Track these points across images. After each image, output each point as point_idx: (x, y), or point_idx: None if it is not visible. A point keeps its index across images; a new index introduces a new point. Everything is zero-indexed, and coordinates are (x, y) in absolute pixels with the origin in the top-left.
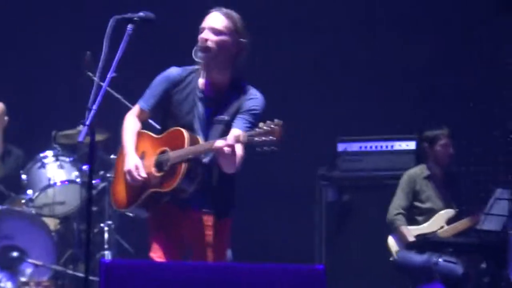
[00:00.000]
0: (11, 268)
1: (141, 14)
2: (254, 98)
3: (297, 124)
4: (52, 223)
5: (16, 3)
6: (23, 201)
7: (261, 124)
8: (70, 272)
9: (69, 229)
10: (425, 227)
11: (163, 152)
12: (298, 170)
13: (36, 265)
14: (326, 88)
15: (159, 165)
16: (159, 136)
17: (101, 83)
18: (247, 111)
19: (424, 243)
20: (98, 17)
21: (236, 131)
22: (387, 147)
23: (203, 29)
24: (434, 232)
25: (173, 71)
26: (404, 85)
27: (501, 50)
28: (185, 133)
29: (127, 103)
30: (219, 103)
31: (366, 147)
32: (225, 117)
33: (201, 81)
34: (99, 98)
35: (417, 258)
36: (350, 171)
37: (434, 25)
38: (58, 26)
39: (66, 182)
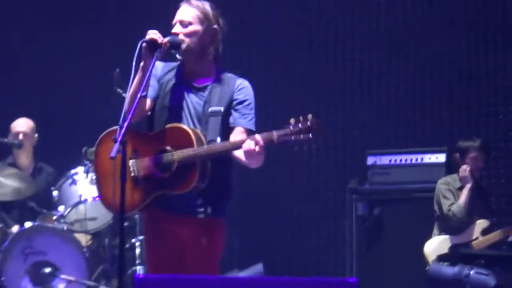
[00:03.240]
0: (44, 284)
1: (168, 38)
2: (244, 88)
3: (327, 138)
4: (83, 239)
5: (46, 22)
6: (54, 217)
7: (292, 121)
8: (103, 287)
9: (100, 244)
10: (461, 237)
11: (162, 151)
12: (328, 184)
13: (68, 281)
14: (357, 101)
15: (162, 165)
16: (152, 133)
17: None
18: (242, 103)
19: (456, 255)
20: (127, 36)
21: (241, 130)
22: (417, 160)
23: (174, 24)
24: (469, 242)
25: (158, 66)
26: (434, 98)
27: None
28: (190, 131)
29: None
30: (208, 94)
31: (396, 160)
32: (220, 108)
33: (187, 73)
34: (129, 115)
35: (448, 270)
36: (380, 184)
37: (465, 38)
38: (87, 43)
39: (97, 198)
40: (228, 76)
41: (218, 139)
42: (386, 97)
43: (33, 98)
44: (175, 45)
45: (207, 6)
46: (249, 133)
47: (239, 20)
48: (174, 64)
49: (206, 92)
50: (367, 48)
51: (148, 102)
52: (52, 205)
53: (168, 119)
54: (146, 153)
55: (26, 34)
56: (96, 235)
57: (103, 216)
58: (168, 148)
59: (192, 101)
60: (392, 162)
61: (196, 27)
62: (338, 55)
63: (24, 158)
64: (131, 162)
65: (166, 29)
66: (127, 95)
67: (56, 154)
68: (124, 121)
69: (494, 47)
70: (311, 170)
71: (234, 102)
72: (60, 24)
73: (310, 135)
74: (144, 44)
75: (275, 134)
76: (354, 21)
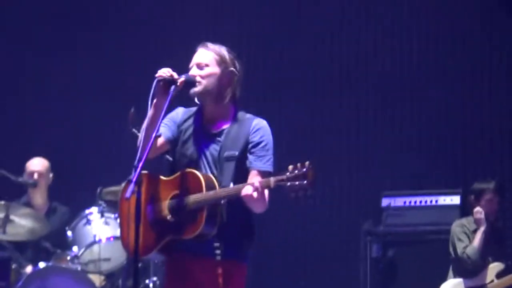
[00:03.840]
0: None
1: (182, 77)
2: (260, 128)
3: (341, 178)
4: (97, 280)
5: (59, 57)
6: (68, 257)
7: (290, 167)
8: None
9: (114, 285)
10: (475, 280)
11: (175, 196)
12: (342, 225)
13: None
14: (371, 142)
15: (173, 210)
16: (169, 178)
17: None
18: (258, 145)
19: None
20: (145, 74)
21: (256, 173)
22: (431, 201)
23: (192, 65)
24: (484, 285)
25: (179, 110)
26: (448, 139)
27: None
28: (200, 176)
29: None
30: (225, 138)
31: (410, 202)
32: (235, 152)
33: (203, 119)
34: (144, 155)
35: None
36: (394, 226)
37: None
38: (103, 82)
39: (112, 239)
40: (245, 117)
41: (231, 184)
42: (401, 138)
43: (48, 137)
44: (190, 83)
45: (223, 50)
46: (266, 175)
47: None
48: (193, 109)
49: (222, 136)
50: (380, 89)
51: (162, 140)
52: (66, 245)
53: (186, 167)
54: (162, 198)
55: (41, 71)
56: (110, 276)
57: (117, 257)
58: (181, 193)
59: (209, 147)
60: (407, 203)
61: (213, 69)
62: (351, 96)
63: (39, 197)
64: (148, 207)
65: (183, 70)
66: (141, 134)
67: (71, 194)
68: (139, 161)
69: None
70: (325, 212)
71: (250, 145)
72: (75, 60)
73: (305, 182)
74: (159, 82)
75: (272, 179)
76: (366, 61)
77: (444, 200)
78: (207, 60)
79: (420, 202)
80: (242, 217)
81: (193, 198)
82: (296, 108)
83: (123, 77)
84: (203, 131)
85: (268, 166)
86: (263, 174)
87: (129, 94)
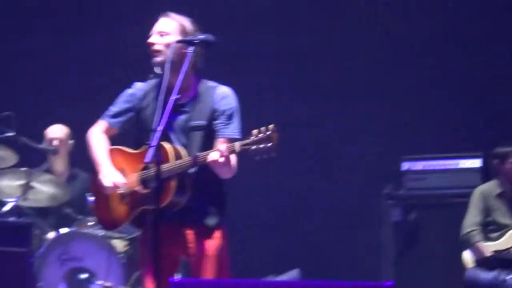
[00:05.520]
0: None
1: (201, 36)
2: (225, 97)
3: (362, 143)
4: (120, 245)
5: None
6: (90, 223)
7: (254, 132)
8: None
9: (137, 250)
10: (500, 244)
11: (145, 168)
12: (363, 189)
13: (104, 287)
14: (390, 106)
15: (144, 181)
16: (136, 151)
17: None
18: (224, 112)
19: (494, 260)
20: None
21: (223, 140)
22: (452, 165)
23: (151, 34)
24: (509, 249)
25: (138, 86)
26: (468, 102)
27: None
28: (168, 147)
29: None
30: (191, 108)
31: (431, 165)
32: (202, 122)
33: (166, 90)
34: (163, 120)
35: (485, 275)
36: (415, 190)
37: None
38: (120, 49)
39: None
40: (208, 86)
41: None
42: (421, 101)
43: (68, 104)
44: (208, 42)
45: (185, 20)
46: (233, 141)
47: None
48: (152, 82)
49: (188, 107)
50: (399, 53)
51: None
52: (88, 211)
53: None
54: (131, 171)
55: (62, 38)
56: (132, 240)
57: None
58: (150, 164)
59: (175, 117)
60: (427, 167)
61: (175, 38)
62: (372, 61)
63: (60, 164)
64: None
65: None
66: (160, 98)
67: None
68: (157, 125)
69: None
70: (345, 176)
71: (216, 113)
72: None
73: (270, 144)
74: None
75: (237, 144)
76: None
77: (465, 163)
78: (169, 28)
79: (441, 165)
80: (213, 185)
81: (163, 167)
82: (319, 73)
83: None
84: (167, 102)
85: (235, 133)
86: (230, 141)
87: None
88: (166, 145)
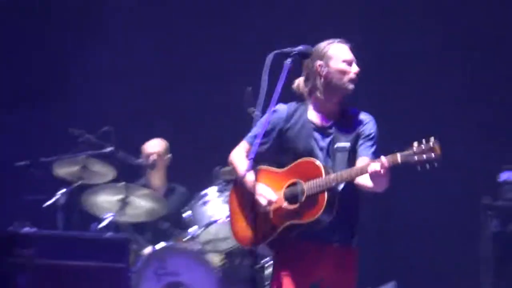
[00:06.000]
0: None
1: (300, 47)
2: (369, 122)
3: (461, 154)
4: (216, 259)
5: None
6: (187, 238)
7: (415, 143)
8: None
9: (233, 264)
10: None
11: (292, 184)
12: (460, 200)
13: None
14: (487, 115)
15: (291, 197)
16: (282, 170)
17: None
18: (368, 136)
19: None
20: (256, 51)
21: (365, 159)
22: None
23: (351, 61)
24: None
25: (282, 108)
26: None
27: None
28: (319, 163)
29: None
30: (336, 132)
31: None
32: (346, 144)
33: (312, 113)
34: (261, 133)
35: None
36: None
37: None
38: (216, 62)
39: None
40: (352, 111)
41: None
42: None
43: (166, 119)
44: (306, 54)
45: None
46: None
47: None
48: (294, 103)
49: (333, 129)
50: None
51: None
52: (184, 225)
53: (300, 158)
54: (276, 188)
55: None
56: (229, 255)
57: None
58: (298, 180)
59: (321, 139)
60: None
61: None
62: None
63: (157, 179)
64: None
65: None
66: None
67: (189, 175)
68: (256, 138)
69: None
70: (442, 188)
71: (362, 136)
72: (192, 40)
73: (433, 154)
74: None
75: (399, 155)
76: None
77: None
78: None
79: None
80: (352, 204)
81: (313, 183)
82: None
83: (238, 54)
84: (313, 124)
85: (374, 155)
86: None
87: (242, 72)
88: (319, 163)
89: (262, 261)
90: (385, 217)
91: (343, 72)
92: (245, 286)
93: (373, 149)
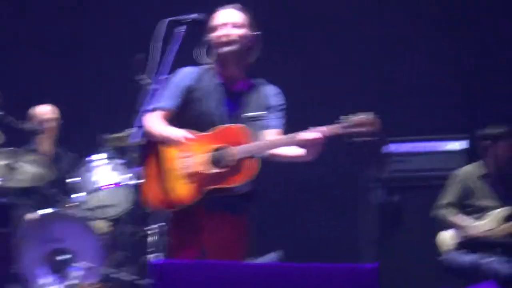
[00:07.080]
0: (61, 271)
1: (193, 15)
2: (277, 94)
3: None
4: (103, 226)
5: (68, 13)
6: (74, 204)
7: (353, 116)
8: (120, 274)
9: (120, 231)
10: (481, 225)
11: (219, 148)
12: (346, 171)
13: (86, 268)
14: (376, 89)
15: (216, 161)
16: (206, 133)
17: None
18: (276, 107)
19: (474, 243)
20: (147, 19)
21: (276, 132)
22: (435, 147)
23: (224, 25)
24: (490, 230)
25: (190, 69)
26: (453, 84)
27: None
28: (247, 130)
29: None
30: (246, 100)
31: (415, 147)
32: (255, 113)
33: (220, 79)
34: (150, 100)
35: (466, 257)
36: (399, 172)
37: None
38: (107, 29)
39: (118, 184)
40: (259, 82)
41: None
42: (406, 83)
43: (56, 84)
44: (199, 22)
45: (249, 13)
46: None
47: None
48: (204, 67)
49: (243, 97)
50: (390, 33)
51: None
52: (72, 191)
53: (209, 124)
54: (200, 151)
55: (53, 21)
56: (116, 221)
57: (122, 203)
58: (227, 145)
59: (231, 105)
60: (411, 149)
61: (247, 31)
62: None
63: (46, 144)
64: (185, 160)
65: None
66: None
67: (78, 140)
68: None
69: None
70: (328, 158)
71: (271, 106)
72: (81, 13)
73: (372, 127)
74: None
75: (339, 126)
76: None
77: (450, 145)
78: (242, 21)
79: (425, 147)
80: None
81: (244, 148)
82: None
83: (128, 22)
84: (223, 89)
85: (283, 127)
86: (282, 133)
87: (133, 39)
88: (245, 127)
89: (146, 228)
90: (271, 187)
91: (215, 38)
92: (132, 253)
93: (282, 120)
